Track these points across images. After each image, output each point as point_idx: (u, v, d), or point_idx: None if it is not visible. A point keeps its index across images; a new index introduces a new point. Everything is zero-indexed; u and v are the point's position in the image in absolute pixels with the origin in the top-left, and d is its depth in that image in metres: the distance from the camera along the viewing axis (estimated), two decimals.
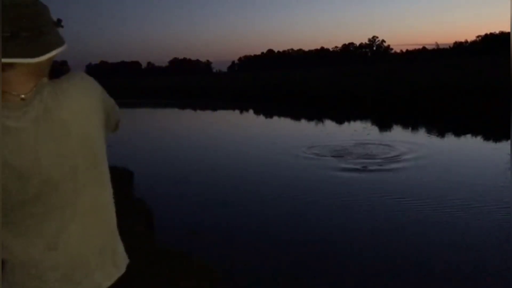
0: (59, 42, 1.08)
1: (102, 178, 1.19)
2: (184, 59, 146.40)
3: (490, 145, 10.00)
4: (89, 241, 1.15)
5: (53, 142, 1.03)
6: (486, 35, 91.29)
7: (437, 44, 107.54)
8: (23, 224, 1.05)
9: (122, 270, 1.25)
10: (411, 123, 14.21)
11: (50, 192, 1.05)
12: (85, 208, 1.12)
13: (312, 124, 16.46)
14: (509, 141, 9.70)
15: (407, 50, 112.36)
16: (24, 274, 1.09)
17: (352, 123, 15.55)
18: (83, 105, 1.09)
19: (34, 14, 1.01)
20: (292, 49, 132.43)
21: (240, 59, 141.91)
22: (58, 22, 1.10)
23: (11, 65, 0.98)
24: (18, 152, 1.00)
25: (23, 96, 1.01)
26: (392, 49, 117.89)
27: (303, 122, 17.48)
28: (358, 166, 7.85)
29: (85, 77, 1.15)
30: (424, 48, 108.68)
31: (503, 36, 78.15)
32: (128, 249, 1.32)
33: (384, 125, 14.49)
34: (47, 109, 1.03)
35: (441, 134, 11.72)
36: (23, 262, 1.08)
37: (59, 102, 1.05)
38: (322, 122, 16.26)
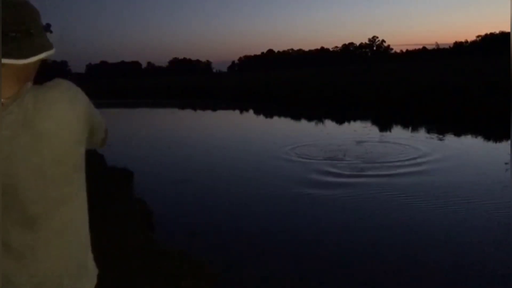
0: (47, 46, 1.04)
1: (77, 191, 1.11)
2: (184, 59, 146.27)
3: (490, 145, 9.99)
4: (61, 258, 1.09)
5: (27, 151, 0.98)
6: (486, 35, 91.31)
7: (437, 44, 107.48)
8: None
9: (93, 282, 1.21)
10: (411, 123, 14.21)
11: (20, 203, 1.00)
12: (56, 223, 1.06)
13: (312, 124, 16.45)
14: (509, 141, 9.70)
15: (407, 50, 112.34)
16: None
17: (352, 123, 15.55)
18: (65, 116, 1.03)
19: (23, 15, 0.97)
20: (292, 49, 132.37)
21: (240, 59, 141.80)
22: (47, 27, 1.07)
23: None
24: None
25: (3, 100, 0.96)
26: (392, 49, 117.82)
27: (303, 122, 17.47)
28: (353, 171, 7.87)
29: (71, 87, 1.08)
30: (424, 48, 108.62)
31: (503, 36, 78.13)
32: (128, 249, 1.32)
33: (384, 125, 14.49)
34: (26, 116, 0.97)
35: (441, 134, 11.71)
36: None
37: (39, 111, 0.99)
38: (322, 122, 16.26)
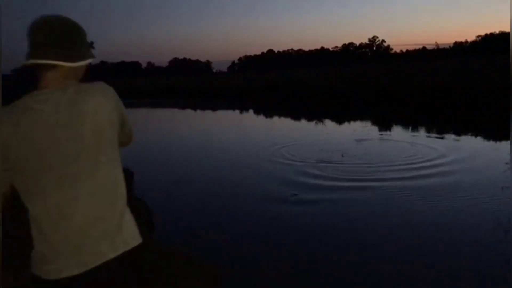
0: (90, 55, 1.43)
1: (112, 162, 1.37)
2: (184, 59, 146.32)
3: (490, 145, 9.99)
4: (97, 215, 1.31)
5: (68, 126, 1.27)
6: (486, 35, 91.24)
7: (437, 44, 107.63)
8: (39, 192, 1.25)
9: (129, 245, 1.38)
10: (411, 123, 14.21)
11: (62, 167, 1.26)
12: (95, 185, 1.31)
13: (311, 124, 16.46)
14: (509, 141, 9.69)
15: (407, 50, 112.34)
16: (40, 239, 1.28)
17: (352, 123, 15.55)
18: (100, 104, 1.33)
19: (75, 32, 1.37)
20: (292, 49, 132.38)
21: (240, 59, 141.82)
22: (91, 43, 1.47)
23: (54, 66, 1.30)
24: (38, 128, 1.24)
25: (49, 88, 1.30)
26: (392, 49, 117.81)
27: (303, 122, 17.48)
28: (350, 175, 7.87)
29: (107, 86, 1.42)
30: (424, 48, 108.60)
31: (503, 36, 78.11)
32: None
33: (384, 125, 14.49)
34: (71, 100, 1.29)
35: (441, 134, 11.71)
36: (39, 228, 1.28)
37: (82, 97, 1.30)
38: (322, 122, 16.27)
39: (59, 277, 1.25)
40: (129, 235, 1.40)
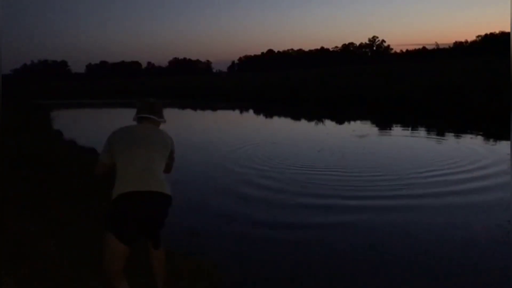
0: (164, 119, 2.99)
1: (156, 158, 2.71)
2: (184, 59, 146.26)
3: (490, 145, 9.98)
4: (146, 167, 2.62)
5: (143, 135, 2.74)
6: (486, 35, 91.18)
7: (437, 44, 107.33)
8: (125, 157, 2.62)
9: (164, 191, 2.63)
10: (411, 123, 14.22)
11: (135, 148, 2.67)
12: (148, 158, 2.65)
13: (311, 124, 16.46)
14: (509, 141, 9.69)
15: (407, 50, 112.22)
16: (119, 177, 2.59)
17: (352, 123, 15.55)
18: (163, 139, 2.82)
19: (158, 105, 2.99)
20: (292, 49, 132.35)
21: (240, 59, 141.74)
22: (162, 116, 3.01)
23: (147, 118, 2.87)
24: (129, 133, 2.76)
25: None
26: (392, 49, 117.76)
27: (303, 122, 17.48)
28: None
29: (168, 135, 2.90)
30: (424, 48, 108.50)
31: (503, 36, 78.07)
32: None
33: (383, 125, 14.49)
34: (154, 131, 2.83)
35: (441, 134, 11.72)
36: (121, 175, 2.58)
37: (156, 133, 2.82)
38: (322, 122, 16.27)
39: (124, 191, 2.50)
40: (162, 187, 2.62)
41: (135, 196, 2.48)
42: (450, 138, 10.94)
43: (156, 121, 2.88)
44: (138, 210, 2.50)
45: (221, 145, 11.02)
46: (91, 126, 18.12)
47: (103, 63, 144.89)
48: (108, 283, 2.62)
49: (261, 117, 20.77)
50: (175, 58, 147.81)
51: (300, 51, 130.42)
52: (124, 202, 2.48)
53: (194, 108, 26.71)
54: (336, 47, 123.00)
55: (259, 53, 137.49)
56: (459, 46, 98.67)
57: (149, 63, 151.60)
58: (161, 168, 2.67)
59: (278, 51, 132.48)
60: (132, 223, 2.49)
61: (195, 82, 43.64)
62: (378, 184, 6.60)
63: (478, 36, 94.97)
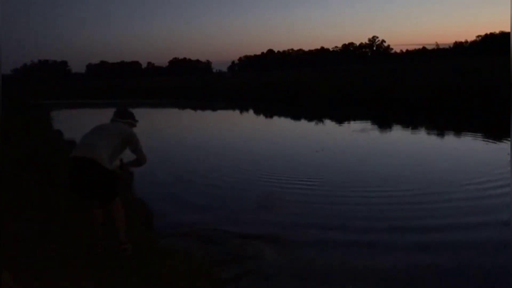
0: (131, 120, 3.99)
1: (109, 139, 3.57)
2: (184, 59, 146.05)
3: (490, 145, 9.98)
4: (92, 144, 3.47)
5: (104, 126, 3.81)
6: (486, 35, 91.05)
7: (437, 44, 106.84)
8: (85, 136, 3.68)
9: (97, 160, 3.32)
10: (411, 123, 14.22)
11: (94, 132, 3.69)
12: (98, 138, 3.56)
13: (311, 124, 16.47)
14: (509, 141, 9.70)
15: (407, 50, 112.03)
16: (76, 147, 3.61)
17: (352, 123, 15.55)
18: (123, 131, 3.73)
19: (130, 113, 4.08)
20: (292, 49, 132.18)
21: (240, 59, 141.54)
22: (136, 121, 4.07)
23: (132, 124, 3.99)
24: (100, 124, 3.89)
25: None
26: (392, 49, 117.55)
27: (303, 122, 17.49)
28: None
29: (131, 130, 3.84)
30: (424, 48, 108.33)
31: (503, 36, 77.98)
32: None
33: (383, 125, 14.50)
34: (113, 123, 3.90)
35: (441, 134, 11.73)
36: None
37: (114, 124, 3.85)
38: (322, 122, 16.27)
39: (70, 155, 3.44)
40: (98, 157, 3.33)
41: (74, 159, 3.38)
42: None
43: (123, 122, 3.86)
44: (73, 170, 3.40)
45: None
46: (91, 126, 18.07)
47: (103, 63, 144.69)
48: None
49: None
50: (175, 58, 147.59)
51: (300, 51, 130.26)
52: (69, 163, 3.43)
53: (194, 108, 26.70)
54: (336, 47, 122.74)
55: (259, 53, 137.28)
56: (459, 46, 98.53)
57: (149, 63, 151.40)
58: (107, 147, 3.44)
59: (278, 51, 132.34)
60: (73, 180, 3.41)
61: (195, 82, 43.58)
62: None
63: (478, 36, 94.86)
